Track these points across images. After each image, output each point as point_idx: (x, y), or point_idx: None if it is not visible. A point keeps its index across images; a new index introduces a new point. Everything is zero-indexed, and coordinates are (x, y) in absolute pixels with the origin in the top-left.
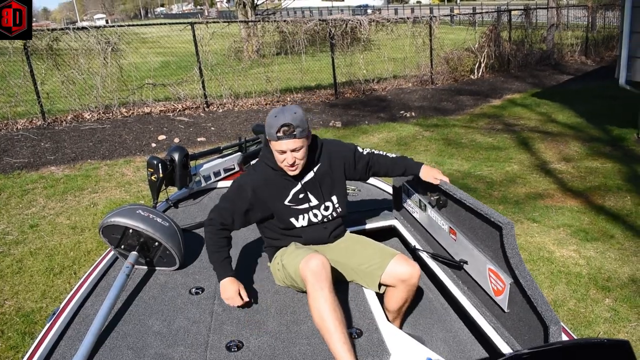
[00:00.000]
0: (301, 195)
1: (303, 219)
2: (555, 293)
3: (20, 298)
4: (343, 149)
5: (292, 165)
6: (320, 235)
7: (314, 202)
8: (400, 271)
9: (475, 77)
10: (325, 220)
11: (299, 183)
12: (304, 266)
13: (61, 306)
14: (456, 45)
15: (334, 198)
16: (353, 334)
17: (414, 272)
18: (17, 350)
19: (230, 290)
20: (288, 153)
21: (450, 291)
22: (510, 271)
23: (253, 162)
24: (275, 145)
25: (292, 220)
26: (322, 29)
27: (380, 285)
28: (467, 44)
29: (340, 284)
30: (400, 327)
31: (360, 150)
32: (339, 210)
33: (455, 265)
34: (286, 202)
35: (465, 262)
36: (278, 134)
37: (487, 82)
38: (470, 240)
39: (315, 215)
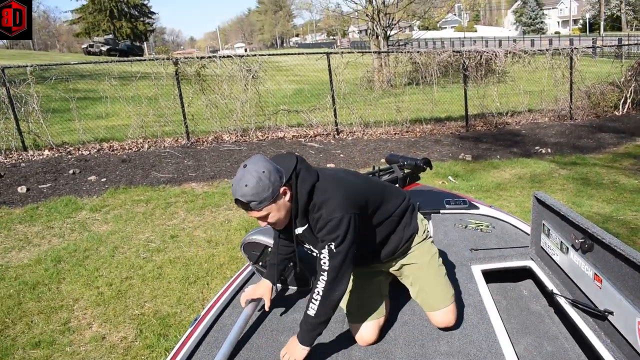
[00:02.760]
0: (303, 243)
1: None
2: None
3: (158, 302)
4: (325, 228)
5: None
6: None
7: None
8: (436, 321)
9: (620, 113)
10: None
11: (293, 233)
12: (353, 331)
13: (202, 314)
14: (599, 78)
15: None
16: None
17: (440, 324)
18: (152, 350)
19: (253, 290)
20: (260, 221)
21: (591, 342)
22: None
23: None
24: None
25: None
26: (455, 60)
27: None
28: (612, 78)
29: (469, 322)
30: None
31: (324, 252)
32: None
33: (598, 315)
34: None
35: (611, 313)
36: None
37: (634, 119)
38: (618, 290)
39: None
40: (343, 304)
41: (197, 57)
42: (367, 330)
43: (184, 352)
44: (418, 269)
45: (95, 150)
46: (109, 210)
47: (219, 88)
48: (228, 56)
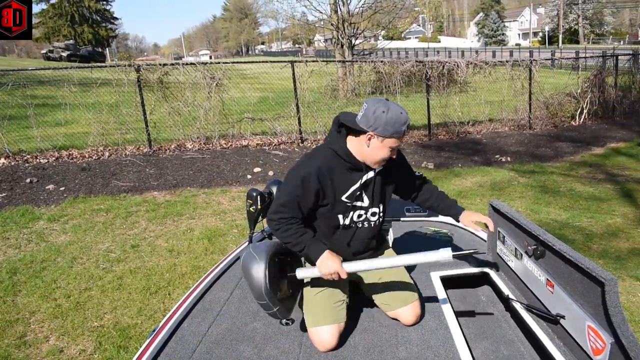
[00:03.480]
0: (357, 193)
1: (347, 217)
2: None
3: (118, 313)
4: (403, 159)
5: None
6: (345, 250)
7: (366, 202)
8: (406, 316)
9: (577, 123)
10: (364, 225)
11: (359, 181)
12: (313, 336)
13: (160, 324)
14: (557, 89)
15: (381, 205)
16: None
17: (411, 322)
18: None
19: (333, 264)
20: (396, 149)
21: (545, 346)
22: (611, 330)
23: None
24: (396, 143)
25: (340, 217)
26: (418, 70)
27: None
28: (569, 89)
29: (427, 327)
30: None
31: (417, 174)
32: (380, 220)
33: (551, 319)
34: (343, 198)
35: (562, 317)
36: (404, 129)
37: (589, 129)
38: (568, 294)
39: (360, 216)
40: (306, 308)
41: (160, 64)
42: (327, 334)
43: None
44: (387, 270)
45: (53, 158)
46: (67, 220)
47: (182, 95)
48: (191, 63)
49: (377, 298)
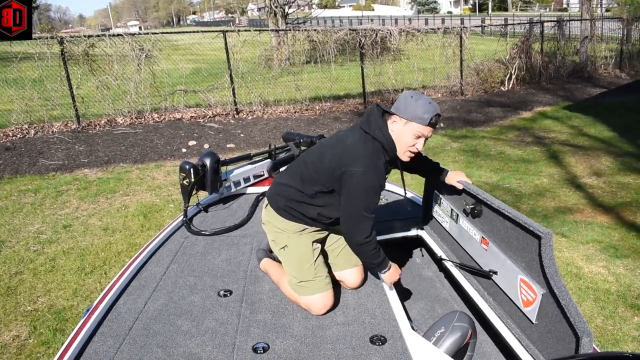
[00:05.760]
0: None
1: None
2: (582, 309)
3: (52, 295)
4: None
5: (416, 152)
6: (326, 221)
7: None
8: (346, 280)
9: (506, 88)
10: None
11: (386, 175)
12: (317, 302)
13: (94, 303)
14: (487, 56)
15: None
16: (377, 341)
17: (357, 284)
18: (48, 346)
19: (397, 275)
20: (422, 140)
21: (475, 302)
22: (545, 281)
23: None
24: (420, 130)
25: None
26: (352, 39)
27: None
28: (498, 55)
29: (364, 291)
30: None
31: None
32: None
33: (483, 275)
34: None
35: (495, 273)
36: (431, 120)
37: (518, 94)
38: (502, 251)
39: None
40: (302, 278)
41: (85, 36)
42: (331, 297)
43: (76, 344)
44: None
45: None
46: None
47: (110, 68)
48: (119, 34)
49: (329, 258)
